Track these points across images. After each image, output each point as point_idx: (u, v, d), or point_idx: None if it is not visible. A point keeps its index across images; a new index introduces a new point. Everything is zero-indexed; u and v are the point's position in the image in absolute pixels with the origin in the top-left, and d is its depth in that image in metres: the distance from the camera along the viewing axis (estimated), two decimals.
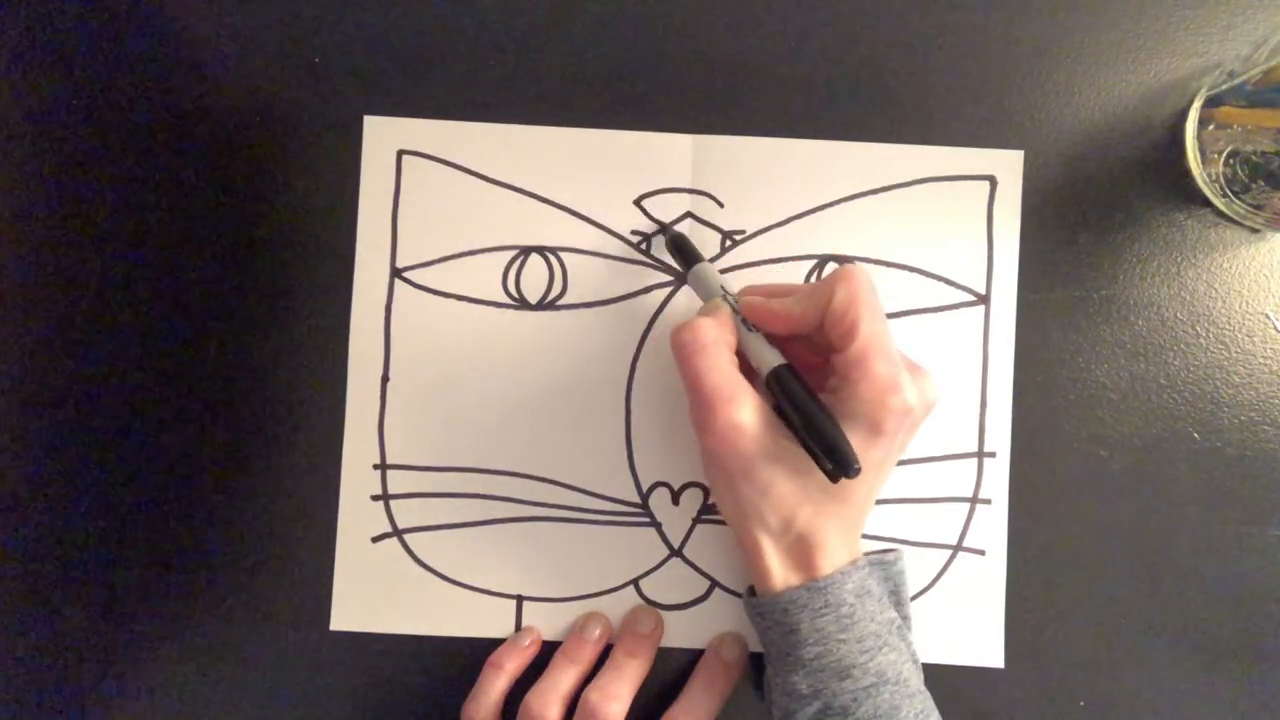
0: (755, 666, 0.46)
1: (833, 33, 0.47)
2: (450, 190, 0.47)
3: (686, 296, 0.47)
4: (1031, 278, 0.47)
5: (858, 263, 0.38)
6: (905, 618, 0.43)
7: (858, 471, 0.36)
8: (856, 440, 0.38)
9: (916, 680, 0.41)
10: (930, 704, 0.41)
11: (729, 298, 0.41)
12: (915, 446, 0.46)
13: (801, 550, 0.40)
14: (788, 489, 0.39)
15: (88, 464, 0.46)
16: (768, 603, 0.41)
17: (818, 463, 0.38)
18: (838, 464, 0.37)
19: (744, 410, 0.39)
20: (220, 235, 0.47)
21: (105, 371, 0.46)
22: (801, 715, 0.40)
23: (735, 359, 0.40)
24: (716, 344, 0.39)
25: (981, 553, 0.47)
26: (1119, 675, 0.46)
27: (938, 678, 0.45)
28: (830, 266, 0.46)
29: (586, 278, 0.47)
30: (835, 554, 0.40)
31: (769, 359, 0.39)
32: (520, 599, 0.47)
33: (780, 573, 0.41)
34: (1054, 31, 0.47)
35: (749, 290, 0.43)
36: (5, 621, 0.46)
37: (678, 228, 0.47)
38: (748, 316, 0.41)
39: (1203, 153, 0.45)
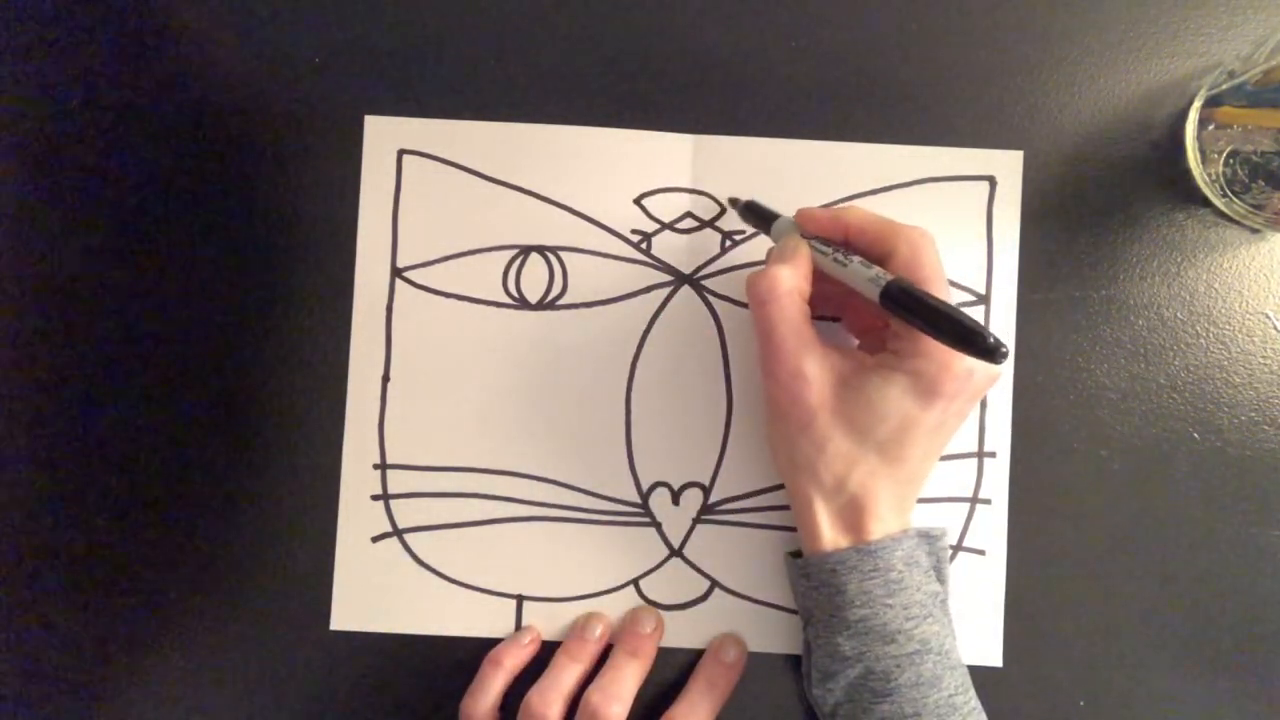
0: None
1: (833, 33, 0.47)
2: (450, 190, 0.47)
3: (686, 297, 0.47)
4: (1031, 278, 0.47)
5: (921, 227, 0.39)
6: (947, 595, 0.43)
7: (1005, 355, 0.34)
8: (910, 402, 0.38)
9: (957, 654, 0.41)
10: (969, 680, 0.41)
11: (808, 239, 0.41)
12: None
13: (853, 512, 0.40)
14: (845, 446, 0.40)
15: (88, 464, 0.46)
16: (815, 563, 0.41)
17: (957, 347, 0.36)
18: (982, 347, 0.35)
19: (810, 361, 0.39)
20: (220, 235, 0.47)
21: (105, 371, 0.46)
22: (843, 677, 0.40)
23: (808, 310, 0.40)
24: (790, 293, 0.39)
25: (981, 553, 0.46)
26: (1118, 675, 0.46)
27: None
28: None
29: (586, 278, 0.47)
30: (886, 520, 0.40)
31: (877, 276, 0.38)
32: (520, 599, 0.47)
33: (830, 534, 0.41)
34: (1054, 31, 0.47)
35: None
36: (5, 621, 0.46)
37: (679, 225, 0.47)
38: (804, 225, 0.41)
39: (1203, 153, 0.45)
